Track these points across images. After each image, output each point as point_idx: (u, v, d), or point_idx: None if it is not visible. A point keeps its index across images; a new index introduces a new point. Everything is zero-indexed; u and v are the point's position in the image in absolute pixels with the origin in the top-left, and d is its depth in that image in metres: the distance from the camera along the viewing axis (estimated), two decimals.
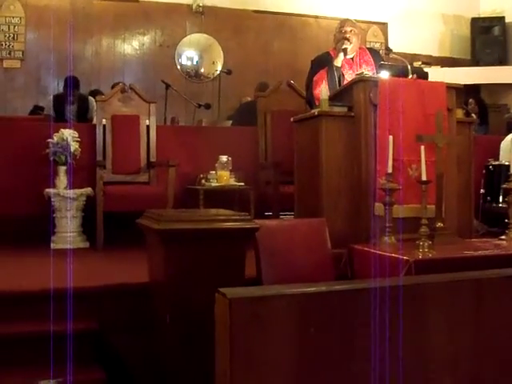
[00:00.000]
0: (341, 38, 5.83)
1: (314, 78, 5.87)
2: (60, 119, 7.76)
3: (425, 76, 5.59)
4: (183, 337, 3.64)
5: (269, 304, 2.42)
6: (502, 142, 7.83)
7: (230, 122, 8.51)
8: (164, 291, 3.74)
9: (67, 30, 9.01)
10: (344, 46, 5.75)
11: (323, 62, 5.89)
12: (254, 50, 10.84)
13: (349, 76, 5.74)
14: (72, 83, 8.11)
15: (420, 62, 10.90)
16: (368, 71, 5.61)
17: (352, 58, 5.88)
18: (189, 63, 10.69)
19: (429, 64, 10.97)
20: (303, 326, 2.47)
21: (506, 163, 6.84)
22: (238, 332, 2.34)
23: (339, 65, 5.75)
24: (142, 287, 4.15)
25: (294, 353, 2.47)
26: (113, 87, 8.43)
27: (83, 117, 8.44)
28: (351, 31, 5.85)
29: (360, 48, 5.99)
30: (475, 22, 11.68)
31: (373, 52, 6.11)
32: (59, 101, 8.30)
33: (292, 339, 2.46)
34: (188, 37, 10.62)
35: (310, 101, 5.97)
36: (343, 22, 5.97)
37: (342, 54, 5.72)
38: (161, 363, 3.80)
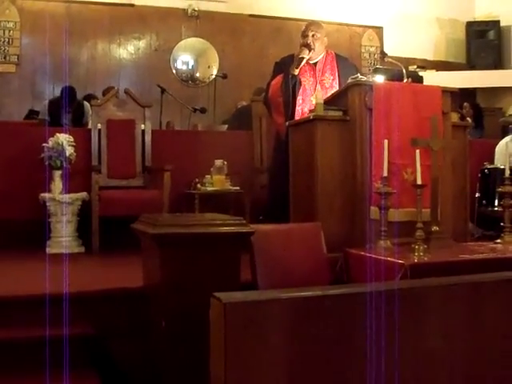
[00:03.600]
0: (302, 43, 5.71)
1: (272, 82, 5.84)
2: (55, 124, 7.75)
3: (420, 80, 5.60)
4: (178, 341, 3.63)
5: (264, 308, 2.42)
6: (497, 146, 7.85)
7: (226, 126, 8.51)
8: (159, 295, 3.74)
9: (62, 35, 9.02)
10: (301, 55, 5.61)
11: (284, 65, 5.78)
12: (249, 55, 10.84)
13: (308, 84, 5.69)
14: (69, 94, 8.10)
15: (415, 66, 10.92)
16: (329, 80, 5.59)
17: (315, 64, 5.78)
18: (184, 67, 10.69)
19: (424, 68, 10.99)
20: (298, 331, 2.47)
21: (502, 167, 6.84)
22: (232, 336, 2.34)
23: (295, 73, 5.59)
24: (137, 292, 4.14)
25: (290, 357, 2.46)
26: (104, 92, 8.44)
27: (78, 122, 8.43)
28: (313, 36, 5.70)
29: (328, 53, 5.85)
30: (470, 25, 11.70)
31: (340, 60, 5.91)
32: (54, 106, 8.30)
33: (287, 344, 2.46)
34: (183, 41, 10.63)
35: (265, 103, 5.94)
36: (306, 27, 5.82)
37: (300, 64, 5.57)
38: (156, 367, 3.79)
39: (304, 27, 5.86)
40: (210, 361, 2.47)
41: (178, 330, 3.64)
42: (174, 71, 10.57)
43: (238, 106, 9.43)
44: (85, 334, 4.06)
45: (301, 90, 5.62)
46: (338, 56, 5.93)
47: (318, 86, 5.61)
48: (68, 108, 8.11)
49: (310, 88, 5.66)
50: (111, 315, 4.25)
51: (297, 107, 5.58)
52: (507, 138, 7.85)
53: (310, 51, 5.65)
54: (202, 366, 2.63)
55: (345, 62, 5.94)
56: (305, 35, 5.74)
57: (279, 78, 5.74)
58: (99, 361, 4.10)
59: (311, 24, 5.92)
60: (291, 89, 5.61)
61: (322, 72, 5.74)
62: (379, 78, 5.37)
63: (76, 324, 3.96)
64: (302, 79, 5.68)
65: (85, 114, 8.37)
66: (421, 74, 7.21)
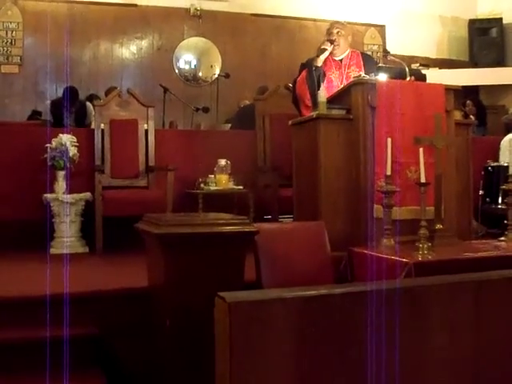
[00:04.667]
0: (327, 39, 5.83)
1: (297, 79, 5.91)
2: (58, 124, 7.75)
3: (423, 78, 5.61)
4: (183, 341, 3.63)
5: (268, 308, 2.42)
6: (502, 141, 7.86)
7: (229, 125, 8.52)
8: (163, 295, 3.74)
9: (65, 35, 9.03)
10: (323, 47, 5.72)
11: (309, 63, 5.89)
12: (251, 54, 10.84)
13: (334, 77, 5.77)
14: (71, 95, 8.09)
15: (418, 64, 10.91)
16: (356, 72, 5.62)
17: (341, 60, 5.88)
18: (187, 67, 10.69)
19: (427, 66, 10.97)
20: (303, 330, 2.47)
21: (505, 164, 6.85)
22: (237, 336, 2.34)
23: (319, 64, 5.71)
24: (141, 291, 4.14)
25: (294, 356, 2.47)
26: (106, 93, 8.44)
27: (81, 122, 8.44)
28: (338, 33, 5.83)
29: (353, 51, 5.97)
30: (473, 23, 11.69)
31: (366, 57, 6.08)
32: (57, 106, 8.30)
33: (292, 343, 2.46)
34: (186, 41, 10.63)
35: (294, 102, 5.98)
36: (331, 24, 5.97)
37: (322, 55, 5.69)
38: (160, 367, 3.79)
39: (329, 25, 6.00)
40: (215, 360, 2.47)
41: (182, 330, 3.64)
42: (177, 71, 10.58)
43: (240, 105, 9.43)
44: (89, 334, 4.06)
45: (325, 82, 5.66)
46: (363, 54, 6.12)
47: (345, 81, 5.64)
48: (70, 108, 8.10)
49: (337, 81, 5.76)
50: (116, 315, 4.25)
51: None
52: (511, 135, 7.84)
53: (332, 45, 5.76)
54: (207, 364, 2.63)
55: (370, 60, 6.11)
56: (330, 32, 5.87)
57: (304, 73, 5.82)
58: (104, 360, 4.10)
59: (336, 22, 6.05)
60: (316, 80, 5.67)
61: (348, 66, 5.84)
62: (382, 77, 5.37)
63: (81, 324, 3.97)
64: (327, 73, 5.78)
65: (87, 114, 8.37)
66: (423, 72, 7.23)
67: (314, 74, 5.69)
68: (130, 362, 4.14)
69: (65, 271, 4.28)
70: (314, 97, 5.63)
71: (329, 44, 5.71)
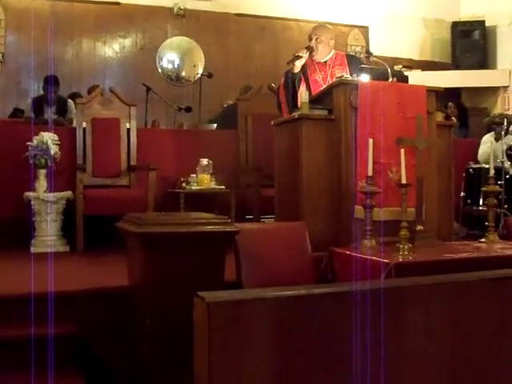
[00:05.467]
0: (306, 46, 5.84)
1: (279, 86, 5.99)
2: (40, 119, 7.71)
3: (405, 79, 5.61)
4: (163, 340, 3.62)
5: (247, 307, 2.41)
6: (484, 137, 7.96)
7: (212, 125, 8.51)
8: (144, 295, 3.73)
9: (47, 33, 8.96)
10: (297, 54, 5.71)
11: (288, 70, 5.94)
12: (235, 53, 10.83)
13: (319, 77, 5.80)
14: (52, 81, 8.04)
15: (401, 66, 10.94)
16: (340, 72, 5.64)
17: (325, 62, 5.88)
18: (170, 66, 10.66)
19: (410, 68, 11.00)
20: (282, 330, 2.47)
21: (486, 166, 6.87)
22: (216, 335, 2.34)
23: (295, 71, 5.73)
24: (122, 291, 4.13)
25: (274, 356, 2.46)
26: (89, 91, 8.40)
27: (62, 114, 8.37)
28: (317, 39, 5.82)
29: (338, 53, 5.98)
30: (456, 26, 11.73)
31: (351, 58, 6.10)
32: (39, 103, 8.24)
33: (271, 343, 2.46)
34: (169, 40, 10.60)
35: (278, 107, 6.00)
36: (312, 30, 5.98)
37: (298, 61, 5.69)
38: (140, 367, 3.78)
39: (310, 30, 6.00)
40: (194, 360, 2.46)
41: (162, 329, 3.63)
42: (160, 70, 10.54)
43: (223, 105, 9.42)
44: (69, 333, 4.04)
45: (303, 85, 5.71)
46: (348, 55, 6.17)
47: (330, 81, 5.66)
48: (52, 95, 8.03)
49: (322, 81, 5.77)
50: (96, 314, 4.24)
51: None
52: (492, 136, 7.89)
53: (310, 52, 5.78)
54: (187, 365, 2.62)
55: (355, 61, 6.11)
56: (310, 38, 5.89)
57: (282, 80, 5.90)
58: (83, 360, 4.09)
59: (316, 28, 6.04)
60: (292, 86, 5.72)
61: (332, 66, 5.86)
62: (364, 78, 5.38)
63: (60, 323, 3.94)
64: (312, 75, 5.81)
65: (68, 111, 8.31)
66: (406, 73, 7.23)
67: (289, 81, 5.75)
68: (110, 362, 4.12)
69: (49, 270, 4.27)
70: (290, 103, 5.67)
71: (305, 51, 5.72)
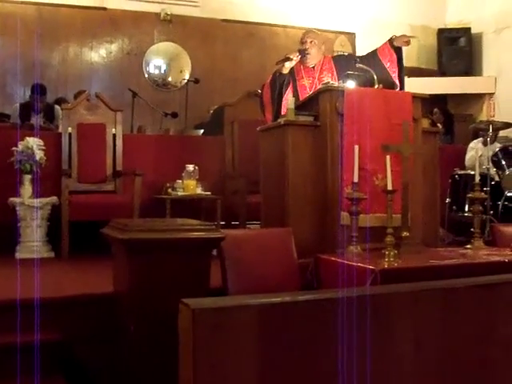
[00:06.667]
0: (299, 49, 5.83)
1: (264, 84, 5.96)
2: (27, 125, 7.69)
3: (391, 86, 5.62)
4: (147, 347, 3.61)
5: (232, 314, 2.40)
6: (471, 143, 8.00)
7: (199, 131, 8.51)
8: (128, 301, 3.71)
9: (34, 38, 8.94)
10: (288, 55, 5.70)
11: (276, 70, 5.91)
12: (222, 59, 10.82)
13: (307, 83, 5.80)
14: (39, 90, 8.03)
15: None
16: (328, 77, 5.64)
17: (313, 67, 5.88)
18: (156, 72, 10.64)
19: None
20: (268, 337, 2.46)
21: (472, 172, 6.90)
22: (201, 342, 2.33)
23: (284, 72, 5.69)
24: (106, 297, 4.11)
25: (258, 363, 2.45)
26: (76, 96, 8.38)
27: (50, 121, 8.35)
28: (311, 42, 5.85)
29: (325, 57, 5.98)
30: (442, 32, 11.77)
31: (337, 60, 6.08)
32: (26, 109, 8.22)
33: (256, 350, 2.45)
34: (156, 45, 10.58)
35: (261, 106, 5.99)
36: (305, 33, 6.00)
37: (288, 63, 5.67)
38: (125, 374, 3.76)
39: (303, 34, 6.02)
40: (178, 366, 2.45)
41: (147, 336, 3.61)
42: (146, 75, 10.52)
43: (210, 111, 9.42)
44: (53, 339, 4.02)
45: (290, 90, 5.70)
46: (334, 58, 6.16)
47: (318, 86, 5.66)
48: (39, 104, 8.02)
49: (309, 87, 5.78)
50: (80, 321, 4.21)
51: (283, 104, 5.64)
52: (480, 141, 7.92)
53: (303, 55, 5.79)
54: (172, 371, 2.61)
55: (341, 60, 6.16)
56: (303, 41, 5.89)
57: (268, 79, 5.86)
58: (67, 367, 4.06)
59: (310, 31, 6.08)
60: (279, 87, 5.69)
61: (320, 71, 5.85)
62: (350, 84, 5.39)
63: (44, 330, 3.92)
64: (300, 80, 5.82)
65: (55, 117, 8.29)
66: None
67: (277, 80, 5.71)
68: (94, 369, 4.10)
69: (35, 276, 4.24)
70: (274, 102, 5.67)
71: (296, 54, 5.72)
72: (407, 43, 5.66)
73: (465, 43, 11.56)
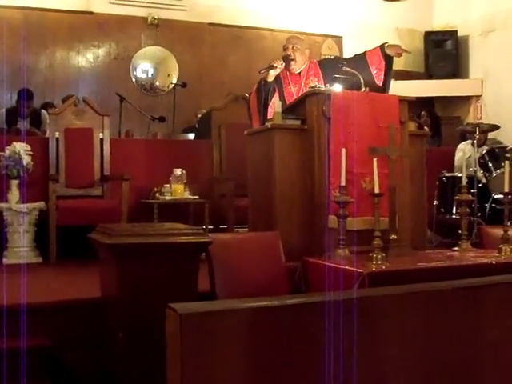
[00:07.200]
0: (282, 56, 5.82)
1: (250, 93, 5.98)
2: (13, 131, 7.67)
3: (378, 89, 5.63)
4: (135, 352, 3.60)
5: (220, 319, 2.40)
6: (459, 145, 8.04)
7: (189, 134, 8.52)
8: (116, 306, 3.70)
9: (20, 42, 8.91)
10: (272, 63, 5.68)
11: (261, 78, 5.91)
12: (209, 63, 10.82)
13: (294, 89, 5.79)
14: (26, 95, 8.01)
15: None
16: (315, 82, 5.64)
17: (299, 73, 5.87)
18: (144, 76, 10.62)
19: None
20: (256, 341, 2.46)
21: (459, 175, 6.92)
22: (188, 347, 2.32)
23: (269, 80, 5.69)
24: (94, 303, 4.11)
25: (247, 368, 2.45)
26: (64, 101, 8.36)
27: (37, 127, 8.33)
28: (293, 48, 5.81)
29: (311, 62, 5.96)
30: (428, 35, 11.80)
31: (323, 64, 6.05)
32: (12, 114, 8.21)
33: (244, 354, 2.44)
34: (143, 49, 10.56)
35: (248, 115, 5.99)
36: (287, 40, 5.97)
37: (272, 71, 5.66)
38: (113, 379, 3.75)
39: (285, 41, 5.98)
40: (166, 371, 2.44)
41: (134, 341, 3.60)
42: (134, 79, 10.50)
43: (198, 115, 9.42)
44: (41, 345, 4.00)
45: (276, 96, 5.66)
46: (320, 62, 6.11)
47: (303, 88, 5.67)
48: (25, 110, 8.01)
49: (296, 94, 5.76)
50: (68, 326, 4.20)
51: (269, 111, 5.63)
52: (469, 143, 7.95)
53: (287, 62, 5.77)
54: (159, 376, 2.60)
55: (327, 63, 6.15)
56: (285, 48, 5.86)
57: (255, 88, 5.87)
58: (54, 372, 4.05)
59: (291, 37, 6.05)
60: (264, 95, 5.69)
61: (306, 77, 5.83)
62: (337, 87, 5.39)
63: (31, 335, 3.90)
64: (286, 87, 5.80)
65: (42, 122, 8.27)
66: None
67: (262, 89, 5.72)
68: (82, 375, 4.08)
69: (22, 281, 4.23)
70: (261, 111, 5.67)
71: (280, 62, 5.71)
72: (399, 55, 5.63)
73: (451, 46, 11.60)
